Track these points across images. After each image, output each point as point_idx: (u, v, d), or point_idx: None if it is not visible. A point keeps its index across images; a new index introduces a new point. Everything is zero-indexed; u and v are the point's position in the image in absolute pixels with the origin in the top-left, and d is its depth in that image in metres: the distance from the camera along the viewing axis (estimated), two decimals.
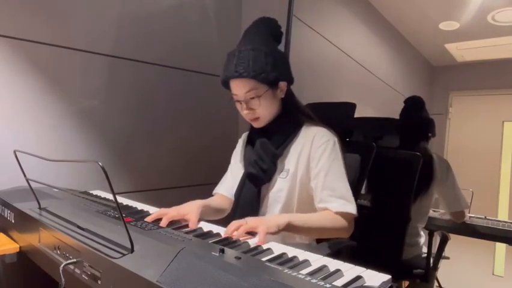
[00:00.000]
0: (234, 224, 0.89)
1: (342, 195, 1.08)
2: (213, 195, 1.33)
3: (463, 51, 4.30)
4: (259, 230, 0.86)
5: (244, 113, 1.14)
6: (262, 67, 1.08)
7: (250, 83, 1.09)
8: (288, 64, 1.19)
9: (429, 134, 2.07)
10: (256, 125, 1.18)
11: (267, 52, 1.11)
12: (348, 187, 1.10)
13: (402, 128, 2.06)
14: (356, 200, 1.35)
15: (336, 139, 1.15)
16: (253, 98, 1.10)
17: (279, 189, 1.15)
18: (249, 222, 0.89)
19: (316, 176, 1.11)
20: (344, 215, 1.07)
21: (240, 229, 0.87)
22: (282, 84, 1.16)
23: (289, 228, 0.96)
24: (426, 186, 1.96)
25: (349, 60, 3.05)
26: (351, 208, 1.08)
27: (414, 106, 2.10)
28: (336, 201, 1.08)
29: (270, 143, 1.16)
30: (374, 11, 3.38)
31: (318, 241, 1.23)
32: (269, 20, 1.21)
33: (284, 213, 1.05)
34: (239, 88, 1.11)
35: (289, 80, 1.19)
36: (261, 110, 1.13)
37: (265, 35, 1.16)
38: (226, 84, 1.17)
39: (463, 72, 4.79)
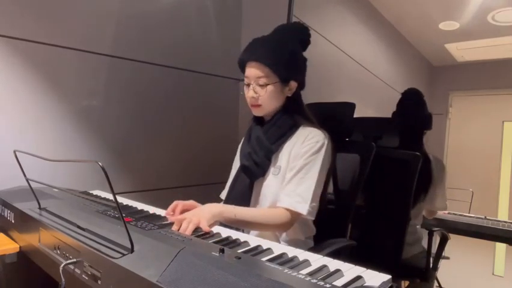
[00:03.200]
0: (184, 223, 0.91)
1: (301, 193, 1.10)
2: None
3: (463, 51, 4.30)
4: (201, 225, 0.91)
5: (249, 95, 1.17)
6: (281, 60, 1.13)
7: (264, 70, 1.13)
8: (305, 70, 1.23)
9: (425, 131, 2.05)
10: (256, 112, 1.21)
11: (290, 51, 1.16)
12: (312, 189, 1.11)
13: (400, 124, 2.03)
14: (354, 199, 1.35)
15: (326, 142, 1.16)
16: (261, 84, 1.14)
17: (270, 185, 1.18)
18: (193, 219, 0.91)
19: (291, 170, 1.14)
20: (291, 212, 1.09)
21: (190, 227, 0.89)
22: (293, 84, 1.19)
23: (222, 217, 0.99)
24: (425, 191, 1.95)
25: (349, 60, 3.05)
26: (302, 208, 1.09)
27: (413, 101, 2.03)
28: (293, 197, 1.10)
29: (266, 138, 1.18)
30: (374, 11, 3.38)
31: (316, 239, 1.24)
32: (302, 26, 1.26)
33: (218, 204, 1.07)
34: (252, 71, 1.15)
35: (301, 84, 1.23)
36: (265, 98, 1.16)
37: (294, 36, 1.21)
38: (242, 65, 1.21)
39: (463, 72, 4.79)
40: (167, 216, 1.02)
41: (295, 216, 1.10)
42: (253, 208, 1.16)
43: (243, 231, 1.15)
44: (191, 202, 1.08)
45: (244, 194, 1.18)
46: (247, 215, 1.06)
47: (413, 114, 2.01)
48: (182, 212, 1.07)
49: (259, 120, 1.24)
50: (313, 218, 1.13)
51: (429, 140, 2.14)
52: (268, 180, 1.19)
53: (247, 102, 1.21)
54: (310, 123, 1.23)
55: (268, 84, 1.14)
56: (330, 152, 1.18)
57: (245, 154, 1.21)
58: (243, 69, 1.21)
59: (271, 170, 1.19)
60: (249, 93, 1.17)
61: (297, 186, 1.11)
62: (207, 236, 0.88)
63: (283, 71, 1.14)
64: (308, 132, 1.17)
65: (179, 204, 1.06)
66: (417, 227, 2.07)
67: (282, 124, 1.19)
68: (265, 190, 1.19)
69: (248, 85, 1.18)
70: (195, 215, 0.93)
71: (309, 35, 1.25)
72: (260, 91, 1.15)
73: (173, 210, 1.05)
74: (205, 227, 0.90)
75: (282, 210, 1.10)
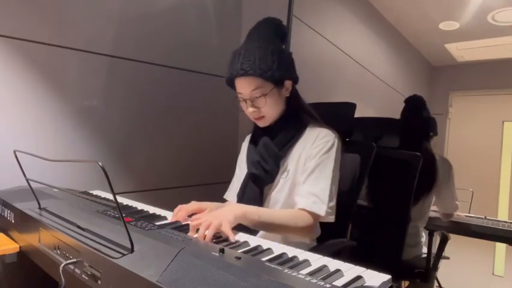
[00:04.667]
0: (202, 228, 0.84)
1: (317, 194, 1.07)
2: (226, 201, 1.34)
3: (463, 51, 4.30)
4: (223, 229, 0.84)
5: (250, 111, 1.13)
6: (268, 65, 1.07)
7: (256, 81, 1.08)
8: (293, 63, 1.18)
9: (431, 134, 2.07)
10: (261, 124, 1.18)
11: (273, 50, 1.10)
12: (328, 189, 1.08)
13: (403, 129, 2.05)
14: (355, 199, 1.34)
15: (336, 141, 1.15)
16: (258, 96, 1.10)
17: (280, 189, 1.16)
18: (213, 222, 0.84)
19: (304, 171, 1.12)
20: (310, 213, 1.06)
21: (209, 233, 0.82)
22: (287, 83, 1.16)
23: (245, 219, 0.94)
24: (429, 188, 1.95)
25: (349, 60, 3.05)
26: (319, 209, 1.06)
27: (414, 106, 2.10)
28: (309, 198, 1.07)
29: (273, 143, 1.16)
30: (374, 11, 3.38)
31: (319, 242, 1.23)
32: (273, 20, 1.20)
33: (240, 204, 1.04)
34: (245, 86, 1.10)
35: (295, 79, 1.18)
36: (267, 108, 1.12)
37: (270, 34, 1.16)
38: (231, 83, 1.16)
39: (463, 72, 4.79)
40: (181, 221, 0.98)
41: (314, 218, 1.07)
42: (276, 209, 1.12)
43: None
44: (195, 206, 1.04)
45: (255, 202, 1.14)
46: (271, 217, 1.01)
47: (417, 118, 2.03)
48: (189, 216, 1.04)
49: (263, 127, 1.20)
50: (333, 220, 1.10)
51: (435, 146, 2.14)
52: (280, 186, 1.16)
53: (249, 117, 1.16)
54: (317, 122, 1.21)
55: (265, 95, 1.09)
56: (341, 150, 1.16)
57: (253, 162, 1.17)
58: (232, 86, 1.16)
59: (280, 174, 1.16)
60: (248, 109, 1.12)
61: (313, 186, 1.08)
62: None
63: (274, 75, 1.08)
64: (317, 132, 1.15)
65: (182, 209, 1.01)
66: (421, 229, 2.07)
67: (289, 128, 1.16)
68: (277, 195, 1.16)
69: (244, 101, 1.13)
70: (215, 218, 0.86)
71: (283, 26, 1.20)
72: (259, 103, 1.11)
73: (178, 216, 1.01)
74: (227, 231, 0.84)
75: (302, 213, 1.06)
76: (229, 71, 1.13)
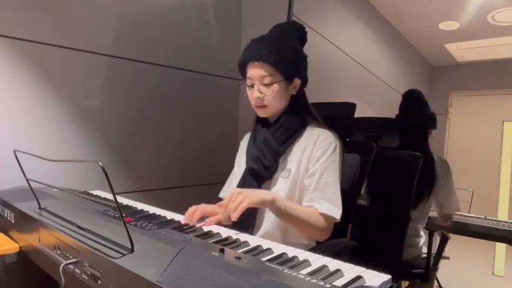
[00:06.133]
0: (230, 208, 0.92)
1: (331, 199, 1.10)
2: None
3: (463, 51, 4.30)
4: (242, 204, 0.92)
5: (254, 96, 1.15)
6: (283, 58, 1.12)
7: (268, 69, 1.12)
8: (306, 66, 1.22)
9: (430, 130, 2.05)
10: (261, 113, 1.19)
11: (291, 47, 1.16)
12: (339, 193, 1.12)
13: (401, 124, 2.02)
14: (356, 200, 1.34)
15: (338, 143, 1.16)
16: (266, 84, 1.13)
17: (280, 189, 1.16)
18: (237, 199, 0.93)
19: (311, 176, 1.13)
20: (327, 217, 1.09)
21: (233, 214, 0.91)
22: (296, 81, 1.19)
23: (272, 206, 1.00)
24: (429, 190, 1.94)
25: (349, 60, 3.05)
26: (336, 213, 1.09)
27: (411, 101, 2.04)
28: (324, 203, 1.09)
29: (273, 140, 1.17)
30: (374, 11, 3.38)
31: (319, 242, 1.23)
32: (299, 25, 1.26)
33: (271, 192, 1.07)
34: (256, 71, 1.14)
35: (304, 80, 1.22)
36: (270, 98, 1.14)
37: (292, 34, 1.21)
38: (243, 67, 1.19)
39: (463, 72, 4.79)
40: (195, 223, 0.97)
41: (330, 223, 1.10)
42: (299, 206, 1.14)
43: (251, 232, 1.14)
44: (209, 207, 1.03)
45: None
46: (296, 210, 1.05)
47: (415, 114, 2.01)
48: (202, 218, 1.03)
49: (263, 122, 1.22)
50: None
51: (433, 139, 2.12)
52: (278, 184, 1.17)
53: (252, 104, 1.18)
54: (317, 122, 1.22)
55: (273, 83, 1.12)
56: (342, 151, 1.18)
57: (253, 157, 1.19)
58: (243, 70, 1.19)
59: (280, 173, 1.17)
60: (253, 94, 1.15)
61: (324, 192, 1.10)
62: (207, 235, 0.87)
63: (287, 68, 1.13)
64: (318, 133, 1.16)
65: (198, 209, 1.00)
66: (421, 229, 2.06)
67: (290, 125, 1.17)
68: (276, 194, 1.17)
69: (252, 86, 1.16)
70: (242, 194, 0.94)
71: (305, 33, 1.25)
72: (265, 91, 1.13)
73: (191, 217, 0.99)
74: (240, 207, 0.91)
75: (320, 216, 1.09)
76: (244, 54, 1.18)
